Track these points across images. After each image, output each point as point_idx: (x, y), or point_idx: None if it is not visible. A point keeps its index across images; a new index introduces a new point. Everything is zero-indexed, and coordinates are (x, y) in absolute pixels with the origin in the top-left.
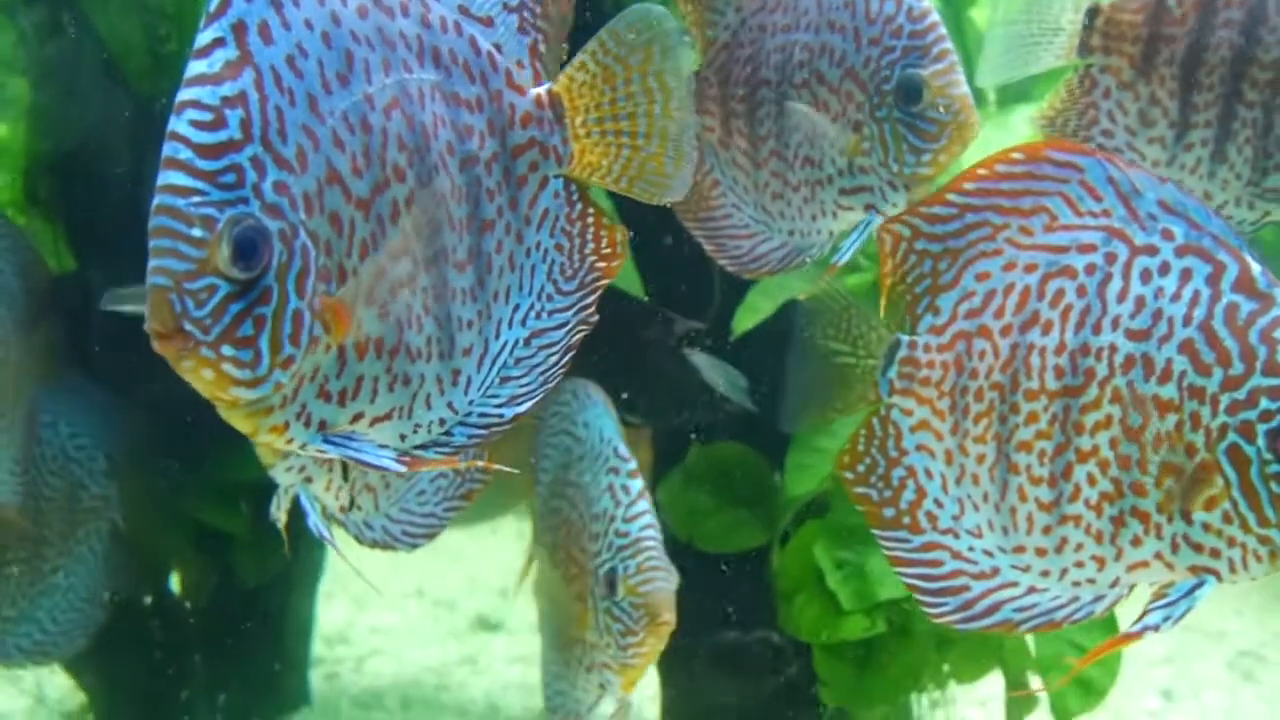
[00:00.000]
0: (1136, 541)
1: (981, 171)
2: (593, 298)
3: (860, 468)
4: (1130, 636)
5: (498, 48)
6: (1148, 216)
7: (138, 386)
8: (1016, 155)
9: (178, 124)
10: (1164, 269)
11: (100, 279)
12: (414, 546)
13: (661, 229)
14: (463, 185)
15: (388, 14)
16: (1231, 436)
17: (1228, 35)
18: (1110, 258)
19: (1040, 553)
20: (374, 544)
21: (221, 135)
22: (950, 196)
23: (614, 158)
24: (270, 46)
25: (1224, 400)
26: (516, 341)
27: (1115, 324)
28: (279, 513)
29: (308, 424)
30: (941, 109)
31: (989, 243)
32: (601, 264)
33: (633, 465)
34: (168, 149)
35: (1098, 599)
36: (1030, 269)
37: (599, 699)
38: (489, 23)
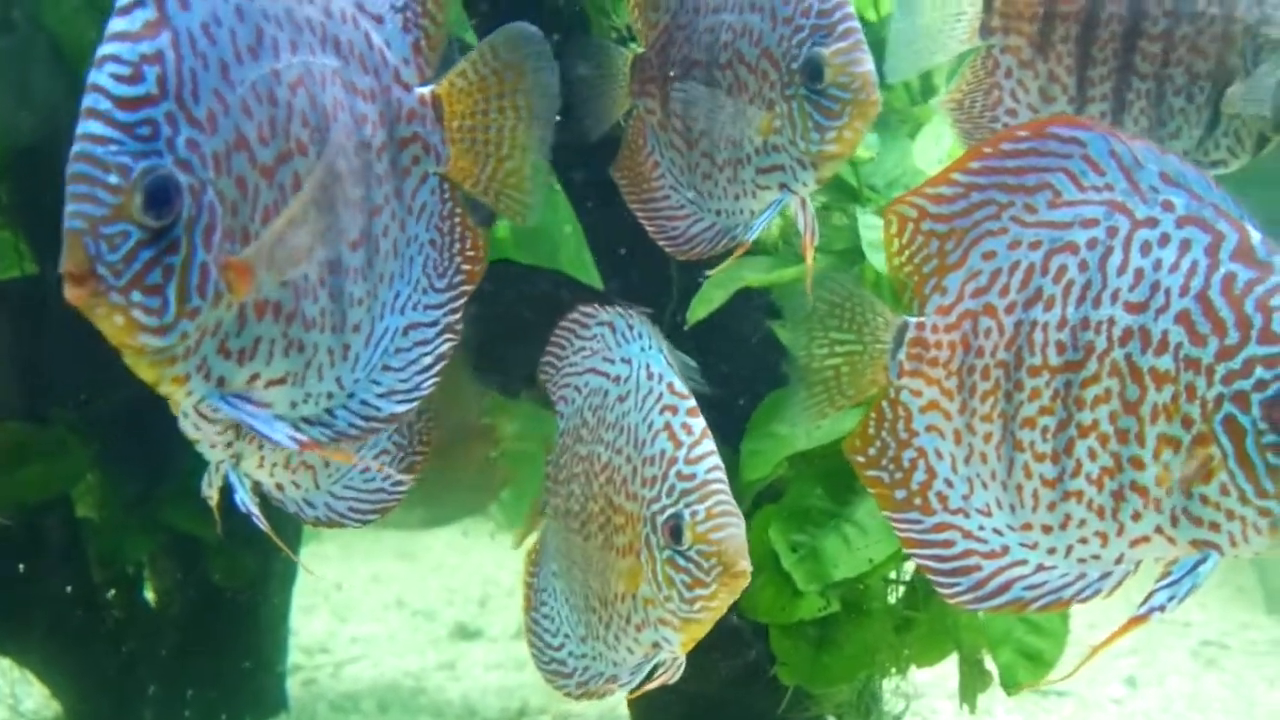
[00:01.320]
0: (1136, 516)
1: (987, 150)
2: (459, 303)
3: (871, 451)
4: (1138, 619)
5: (387, 44)
6: (1149, 189)
7: (102, 391)
8: (1021, 133)
9: (98, 76)
10: (1164, 240)
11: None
12: (364, 523)
13: (619, 216)
14: (357, 168)
15: None
16: (1227, 407)
17: (1117, 10)
18: (1111, 231)
19: (1046, 529)
20: (318, 522)
21: (139, 89)
22: (955, 176)
23: (481, 167)
24: (186, 12)
25: (1219, 370)
26: (396, 330)
27: (1115, 297)
28: (210, 490)
29: (207, 377)
30: (842, 87)
31: (994, 221)
32: (467, 266)
33: (692, 403)
34: (88, 99)
35: (1104, 576)
36: (1034, 246)
37: (646, 659)
38: (380, 20)
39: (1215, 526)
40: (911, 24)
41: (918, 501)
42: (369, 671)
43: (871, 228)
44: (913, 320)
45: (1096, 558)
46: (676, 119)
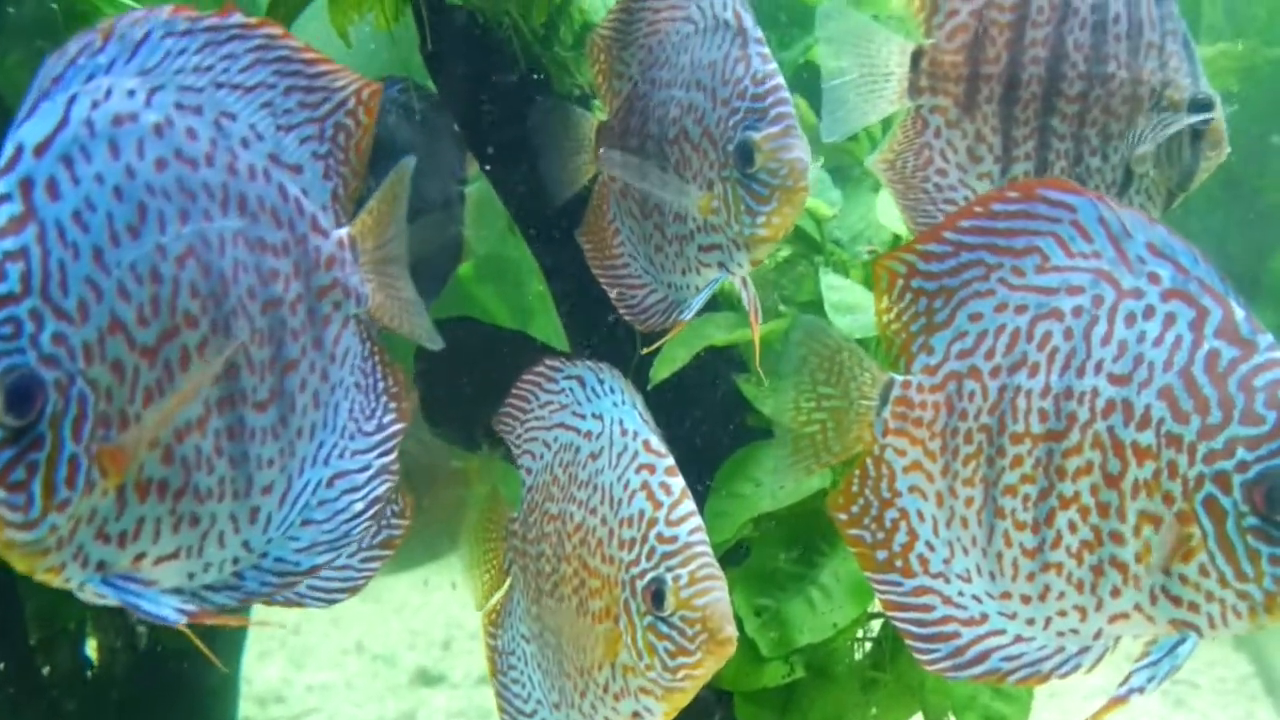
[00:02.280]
0: (1115, 592)
1: (977, 209)
2: (393, 444)
3: (854, 509)
4: (1118, 701)
5: (304, 193)
6: (1136, 259)
7: None
8: (1011, 194)
9: None
10: (1149, 313)
11: None
12: (330, 603)
13: (584, 277)
14: (264, 328)
15: (190, 165)
16: (1208, 487)
17: (1036, 71)
18: (1097, 300)
19: (1025, 600)
20: (278, 604)
21: (1, 289)
22: (946, 234)
23: (393, 296)
24: (57, 202)
25: (1201, 449)
26: (319, 481)
27: (1098, 368)
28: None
29: (84, 564)
30: (771, 173)
31: (982, 283)
32: (394, 405)
33: (670, 461)
34: None
35: (1083, 651)
36: (1021, 310)
37: None
38: (297, 170)
39: (1194, 607)
40: (842, 84)
41: (899, 564)
42: None
43: (835, 288)
44: (899, 378)
45: (1075, 632)
46: (633, 189)
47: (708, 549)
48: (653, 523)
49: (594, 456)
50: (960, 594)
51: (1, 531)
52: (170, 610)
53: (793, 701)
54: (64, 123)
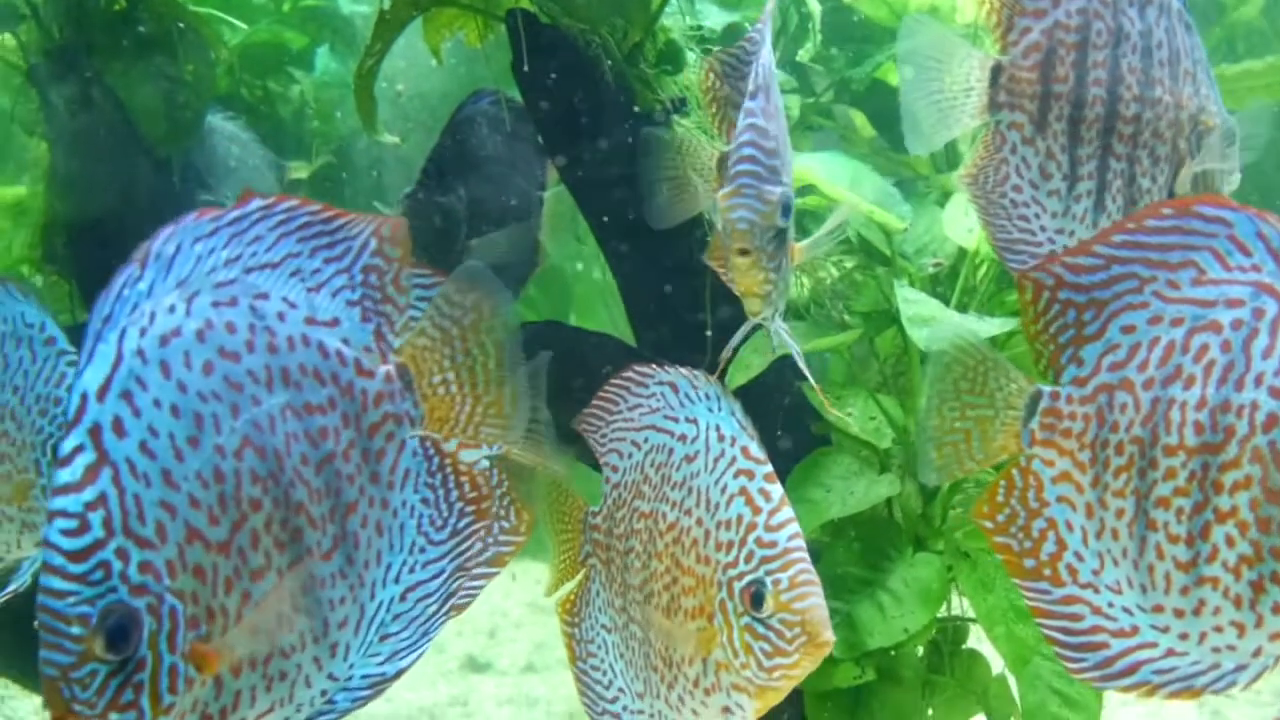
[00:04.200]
0: (1278, 609)
1: (1130, 225)
2: (469, 541)
3: (1000, 518)
4: None
5: (345, 341)
6: None
7: None
8: (1166, 210)
9: (50, 532)
10: None
11: None
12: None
13: (659, 280)
14: (321, 484)
15: (233, 358)
16: None
17: (1098, 92)
18: (1258, 313)
19: (1178, 614)
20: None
21: (87, 539)
22: (1096, 248)
23: (460, 410)
24: (124, 439)
25: None
26: (392, 599)
27: (1259, 381)
28: None
29: None
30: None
31: (1135, 295)
32: (471, 508)
33: (768, 468)
34: (45, 555)
35: (1240, 668)
36: (1176, 323)
37: None
38: (334, 323)
39: None
40: (924, 98)
41: (1047, 572)
42: (383, 707)
43: (911, 302)
44: (1047, 389)
45: (1232, 648)
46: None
47: (806, 555)
48: (752, 527)
49: (689, 459)
50: (1110, 605)
51: None
52: None
53: (861, 703)
54: (118, 360)
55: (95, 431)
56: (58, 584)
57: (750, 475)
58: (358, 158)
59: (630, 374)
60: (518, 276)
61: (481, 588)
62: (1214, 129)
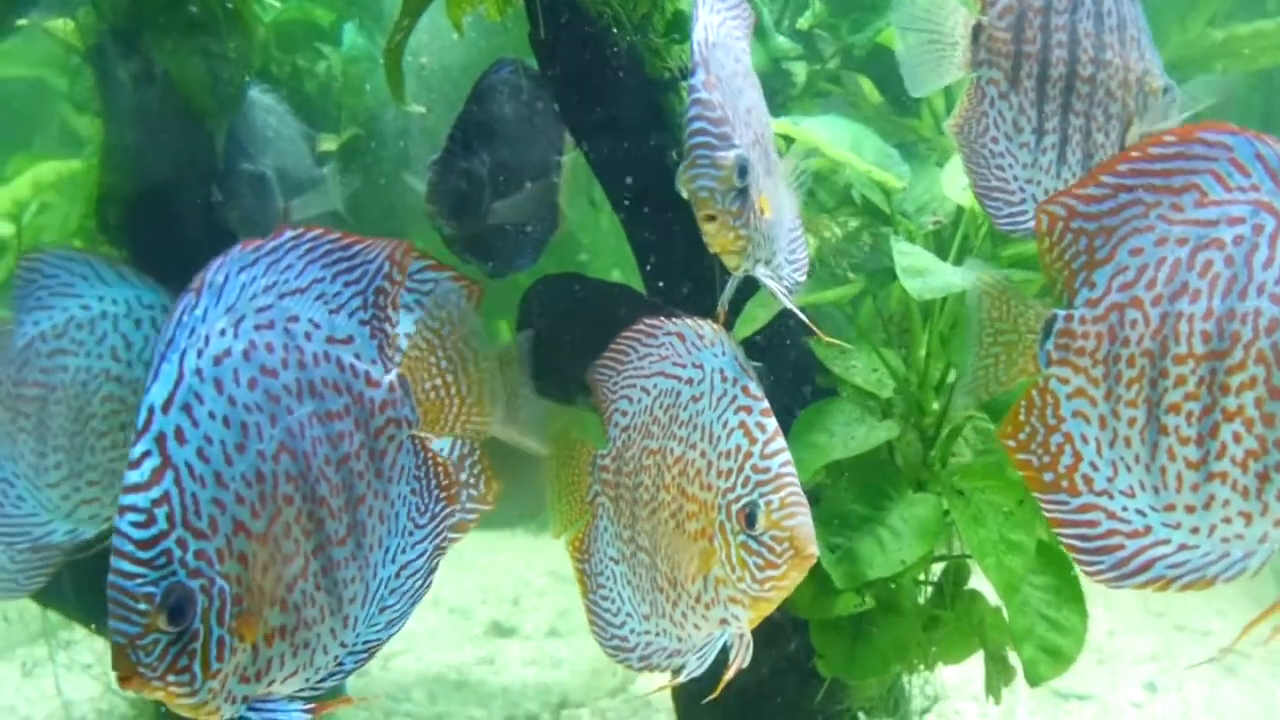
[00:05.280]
0: None
1: (1135, 154)
2: (444, 525)
3: (1021, 436)
4: None
5: (357, 356)
6: None
7: None
8: (1168, 138)
9: (121, 522)
10: None
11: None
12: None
13: (671, 240)
14: (338, 480)
15: (271, 374)
16: None
17: (1061, 54)
18: (1257, 229)
19: (1189, 510)
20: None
21: (153, 530)
22: (1103, 178)
23: (447, 410)
24: (184, 446)
25: None
26: (389, 576)
27: (1261, 290)
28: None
29: (233, 702)
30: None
31: (1141, 219)
32: (444, 494)
33: (765, 404)
34: (116, 541)
35: (1248, 555)
36: (1181, 242)
37: (711, 634)
38: (349, 340)
39: None
40: (914, 48)
41: (1064, 484)
42: (415, 664)
43: (905, 254)
44: (1061, 313)
45: (1240, 537)
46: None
47: (796, 479)
48: (749, 455)
49: (695, 399)
50: (1124, 509)
51: (173, 701)
52: (298, 714)
53: (862, 631)
54: (180, 378)
55: (160, 439)
56: (128, 566)
57: (749, 410)
58: (385, 129)
59: (641, 326)
60: (539, 239)
61: (443, 553)
62: (1158, 91)
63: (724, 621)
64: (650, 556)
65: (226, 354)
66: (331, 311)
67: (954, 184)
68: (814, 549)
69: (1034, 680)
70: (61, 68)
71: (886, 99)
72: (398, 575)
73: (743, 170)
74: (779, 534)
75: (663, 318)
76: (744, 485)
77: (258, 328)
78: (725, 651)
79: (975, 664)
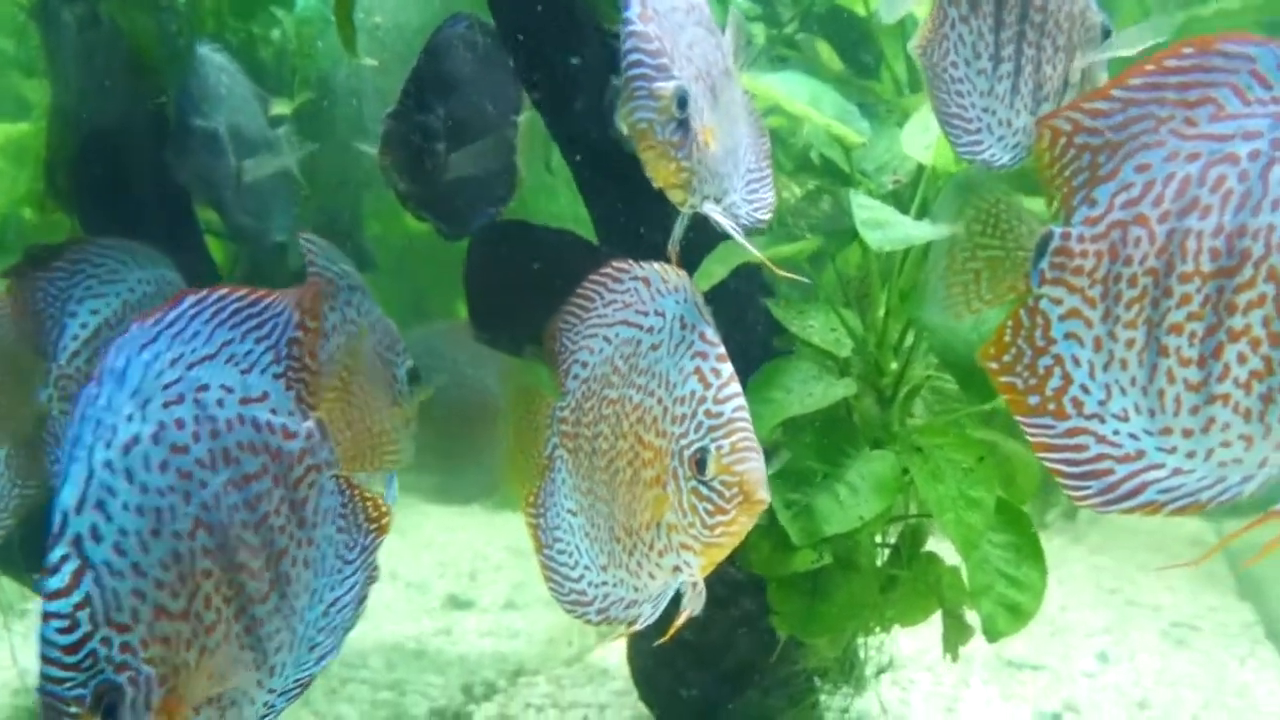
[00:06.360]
0: None
1: (1149, 66)
2: (374, 553)
3: (1006, 358)
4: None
5: (274, 411)
6: None
7: None
8: (1187, 49)
9: (46, 630)
10: None
11: None
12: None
13: (624, 205)
14: (258, 541)
15: (183, 451)
16: None
17: None
18: (1276, 143)
19: (1187, 433)
20: None
21: (78, 635)
22: (1114, 91)
23: (361, 446)
24: (100, 545)
25: None
26: (317, 615)
27: (1276, 205)
28: None
29: None
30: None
31: (1152, 134)
32: (373, 525)
33: (721, 350)
34: (42, 648)
35: (1246, 479)
36: (1193, 157)
37: (666, 583)
38: (264, 397)
39: None
40: None
41: (1051, 407)
42: (372, 634)
43: (864, 207)
44: (1058, 229)
45: (1239, 461)
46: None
47: (748, 425)
48: (702, 400)
49: (654, 347)
50: (1116, 433)
51: None
52: None
53: (819, 588)
54: (90, 475)
55: (77, 541)
56: (57, 673)
57: (704, 356)
58: (338, 89)
59: (608, 270)
60: (495, 196)
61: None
62: (1096, 26)
63: (677, 569)
64: (608, 506)
65: (135, 440)
66: (243, 372)
67: (914, 143)
68: (764, 494)
69: (992, 636)
70: (7, 30)
71: (845, 62)
72: (325, 614)
73: (682, 101)
74: (729, 479)
75: (628, 261)
76: (696, 430)
77: (166, 405)
78: (679, 602)
79: (930, 635)
